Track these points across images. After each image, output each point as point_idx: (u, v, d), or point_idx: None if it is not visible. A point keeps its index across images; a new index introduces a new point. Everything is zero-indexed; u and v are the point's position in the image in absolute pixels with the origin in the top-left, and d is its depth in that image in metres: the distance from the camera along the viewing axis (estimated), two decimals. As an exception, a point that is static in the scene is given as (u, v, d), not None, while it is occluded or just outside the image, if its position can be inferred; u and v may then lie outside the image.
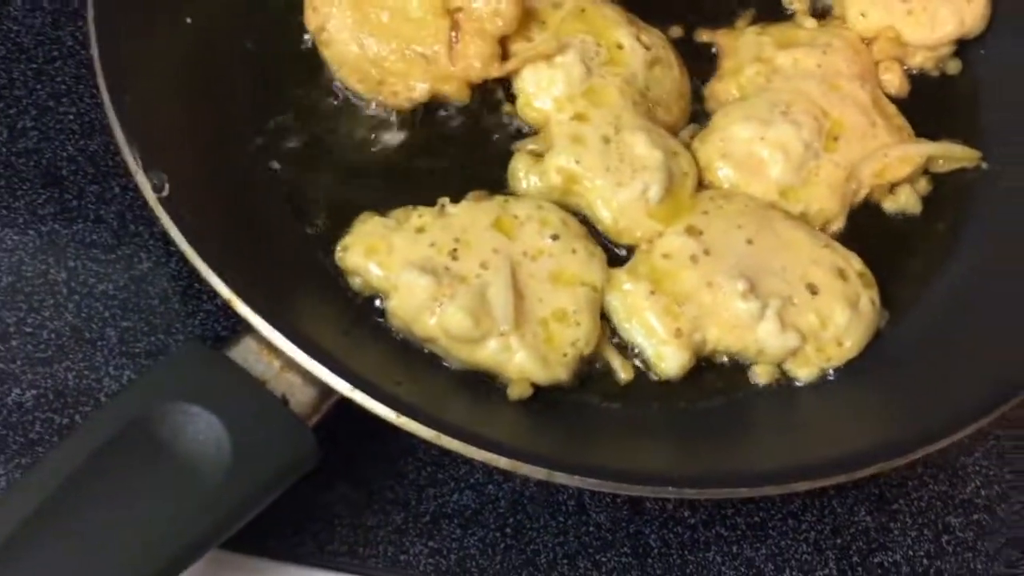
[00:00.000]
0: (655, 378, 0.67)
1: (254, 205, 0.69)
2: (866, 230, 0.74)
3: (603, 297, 0.68)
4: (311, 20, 0.73)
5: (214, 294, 0.69)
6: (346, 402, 0.59)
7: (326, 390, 0.59)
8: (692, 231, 0.69)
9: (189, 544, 0.54)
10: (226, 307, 0.68)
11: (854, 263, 0.70)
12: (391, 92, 0.72)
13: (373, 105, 0.73)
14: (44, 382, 0.67)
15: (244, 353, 0.60)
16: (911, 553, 0.69)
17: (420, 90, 0.72)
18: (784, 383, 0.69)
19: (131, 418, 0.55)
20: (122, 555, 0.53)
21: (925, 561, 0.69)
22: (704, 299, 0.67)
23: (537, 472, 0.58)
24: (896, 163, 0.74)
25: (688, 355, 0.67)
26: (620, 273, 0.68)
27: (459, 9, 0.72)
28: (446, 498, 0.67)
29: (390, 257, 0.66)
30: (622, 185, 0.69)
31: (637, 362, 0.68)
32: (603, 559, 0.67)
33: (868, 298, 0.69)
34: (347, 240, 0.67)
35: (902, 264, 0.74)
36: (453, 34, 0.72)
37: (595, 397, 0.67)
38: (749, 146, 0.72)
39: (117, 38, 0.65)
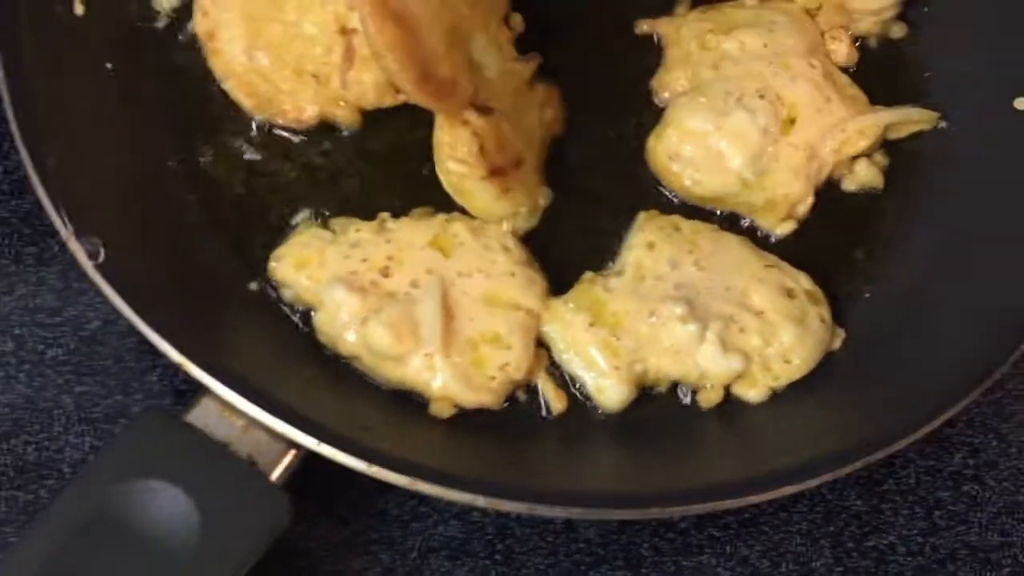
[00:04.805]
0: (597, 412, 0.66)
1: (191, 257, 0.66)
2: (829, 210, 0.72)
3: (541, 325, 0.66)
4: (200, 24, 0.70)
5: (168, 349, 0.68)
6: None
7: (294, 444, 0.57)
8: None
9: (169, 627, 0.53)
10: (182, 361, 0.67)
11: (802, 281, 0.69)
12: (279, 110, 0.70)
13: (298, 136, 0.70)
14: (3, 459, 0.65)
15: (204, 416, 0.57)
16: (905, 533, 0.69)
17: (310, 111, 0.69)
18: (728, 408, 0.67)
19: (93, 504, 0.53)
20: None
21: (920, 539, 0.69)
22: (643, 329, 0.65)
23: (519, 507, 0.57)
24: (855, 136, 0.72)
25: (629, 388, 0.65)
26: (559, 303, 0.66)
27: (355, 31, 0.68)
28: (431, 531, 0.66)
29: (320, 271, 0.65)
30: None
31: (577, 391, 0.66)
32: (597, 575, 0.66)
33: (817, 315, 0.68)
34: (280, 251, 0.66)
35: (868, 240, 0.72)
36: (347, 57, 0.69)
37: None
38: (706, 139, 0.70)
39: (33, 99, 0.62)
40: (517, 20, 0.72)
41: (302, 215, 0.69)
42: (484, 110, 0.63)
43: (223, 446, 0.57)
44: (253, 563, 0.56)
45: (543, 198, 0.70)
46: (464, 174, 0.66)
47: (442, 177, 0.67)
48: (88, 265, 0.58)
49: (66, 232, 0.59)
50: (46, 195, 0.59)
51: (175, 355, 0.57)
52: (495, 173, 0.66)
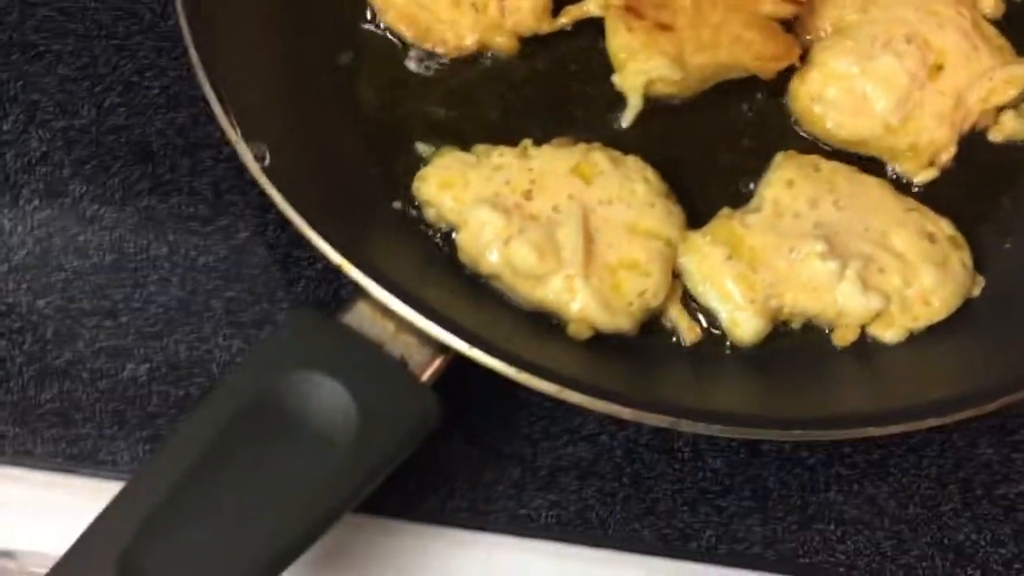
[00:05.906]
0: (728, 344, 0.66)
1: (348, 168, 0.68)
2: (972, 161, 0.72)
3: (677, 257, 0.67)
4: None
5: (313, 260, 0.70)
6: (460, 360, 0.59)
7: (443, 348, 0.59)
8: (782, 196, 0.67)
9: (326, 511, 0.54)
10: (325, 272, 0.70)
11: (944, 226, 0.68)
12: (440, 39, 0.71)
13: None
14: (156, 356, 0.67)
15: (358, 318, 0.59)
16: (1036, 483, 0.68)
17: (469, 40, 0.71)
18: (862, 347, 0.66)
19: (258, 390, 0.55)
20: (260, 527, 0.53)
21: (1051, 491, 0.68)
22: (781, 264, 0.65)
23: (662, 421, 0.58)
24: (1003, 85, 0.71)
25: (764, 322, 0.65)
26: (697, 236, 0.67)
27: None
28: (561, 451, 0.67)
29: (464, 191, 0.66)
30: None
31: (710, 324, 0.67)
32: (723, 504, 0.67)
33: (959, 259, 0.67)
34: (425, 171, 0.68)
35: (1012, 192, 0.72)
36: None
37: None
38: (851, 82, 0.70)
39: (203, 12, 0.65)
40: None
41: (445, 139, 0.70)
42: None
43: (377, 346, 0.58)
44: (404, 459, 0.58)
45: (679, 76, 0.69)
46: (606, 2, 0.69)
47: None
48: (255, 167, 0.60)
49: (235, 136, 0.61)
50: (216, 100, 0.61)
51: (335, 256, 0.59)
52: (632, 11, 0.67)
